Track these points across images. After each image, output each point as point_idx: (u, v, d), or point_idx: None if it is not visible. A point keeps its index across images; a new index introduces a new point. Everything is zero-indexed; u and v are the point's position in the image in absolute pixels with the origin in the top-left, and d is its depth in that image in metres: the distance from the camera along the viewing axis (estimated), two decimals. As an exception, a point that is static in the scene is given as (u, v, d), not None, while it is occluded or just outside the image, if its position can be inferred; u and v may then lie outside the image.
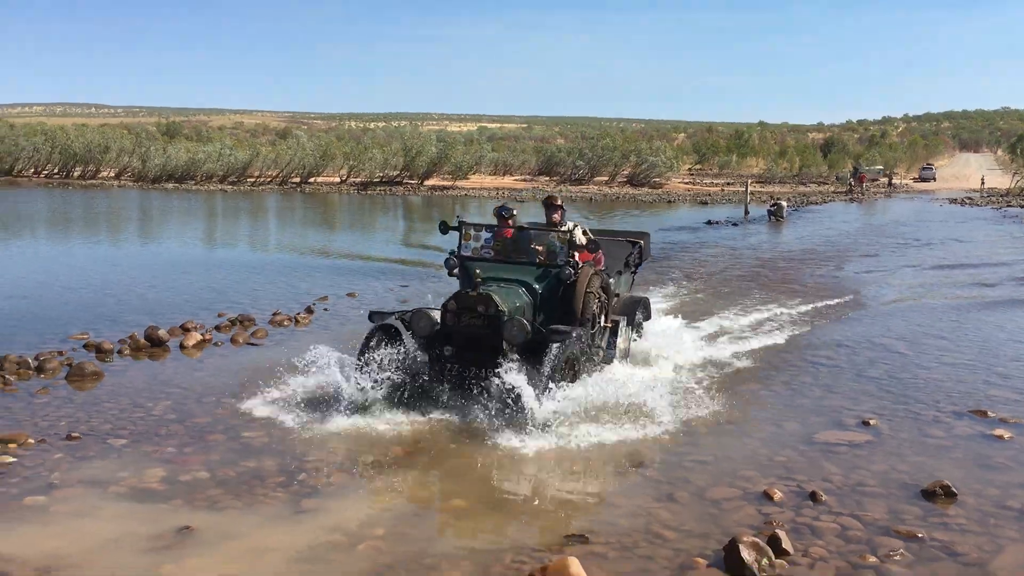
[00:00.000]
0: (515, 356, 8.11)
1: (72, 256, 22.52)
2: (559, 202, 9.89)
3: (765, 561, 5.29)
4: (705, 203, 49.02)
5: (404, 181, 62.35)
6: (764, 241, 28.12)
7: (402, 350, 8.58)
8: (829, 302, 15.34)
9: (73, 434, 7.75)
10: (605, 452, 7.41)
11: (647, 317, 11.32)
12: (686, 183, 67.62)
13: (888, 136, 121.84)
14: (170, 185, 59.35)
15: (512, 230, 9.55)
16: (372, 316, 8.82)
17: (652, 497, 6.49)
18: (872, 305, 15.23)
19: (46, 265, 20.37)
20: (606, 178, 66.66)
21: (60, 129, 72.50)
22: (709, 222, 34.40)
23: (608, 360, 9.58)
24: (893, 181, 69.58)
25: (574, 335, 8.31)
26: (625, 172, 66.76)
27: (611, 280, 10.01)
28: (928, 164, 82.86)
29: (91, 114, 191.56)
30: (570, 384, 8.17)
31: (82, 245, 25.51)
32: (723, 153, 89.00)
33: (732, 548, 5.34)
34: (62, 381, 9.61)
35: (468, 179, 64.74)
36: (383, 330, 8.67)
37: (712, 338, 12.16)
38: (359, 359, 8.36)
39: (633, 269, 11.63)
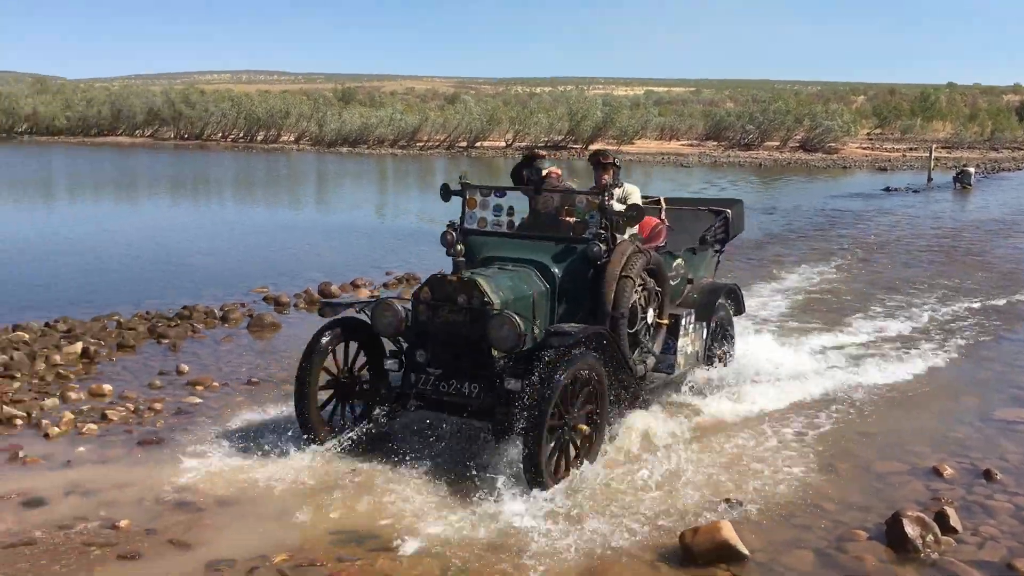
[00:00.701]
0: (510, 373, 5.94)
1: (255, 217, 23.90)
2: (610, 159, 7.60)
3: (930, 537, 5.07)
4: (884, 169, 46.72)
5: (568, 145, 62.36)
6: (948, 210, 26.55)
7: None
8: (1017, 274, 14.36)
9: (253, 380, 8.29)
10: (765, 420, 7.27)
11: (737, 310, 8.79)
12: (864, 148, 64.54)
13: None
14: (344, 149, 61.65)
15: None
16: (323, 309, 6.84)
17: (812, 468, 6.32)
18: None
19: (232, 225, 21.69)
20: (777, 143, 64.41)
21: (245, 95, 76.55)
22: (887, 189, 32.83)
23: (666, 369, 7.30)
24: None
25: (587, 338, 5.92)
26: (798, 137, 64.27)
27: (678, 260, 7.71)
28: None
29: (273, 81, 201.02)
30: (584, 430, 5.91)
31: (264, 207, 27.03)
32: (906, 116, 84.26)
33: (895, 522, 5.15)
34: (244, 331, 10.29)
35: (633, 144, 64.07)
36: (343, 328, 6.53)
37: (887, 309, 11.66)
38: (299, 413, 6.35)
39: (717, 247, 8.93)
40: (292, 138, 68.90)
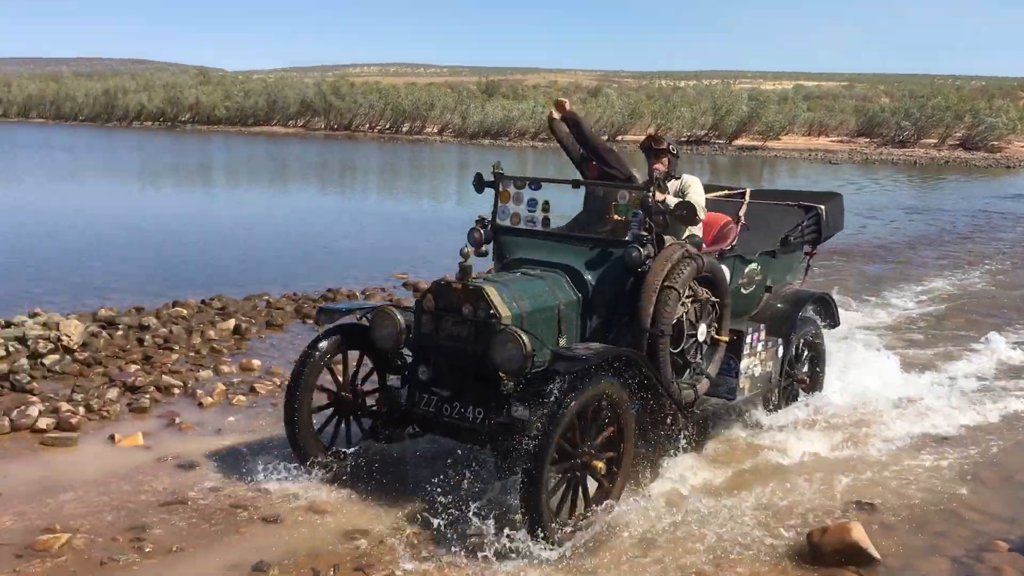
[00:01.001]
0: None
1: (398, 205, 24.64)
2: (665, 145, 6.32)
3: (1079, 553, 4.83)
4: (1052, 169, 43.94)
5: (711, 140, 61.30)
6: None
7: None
8: None
9: (390, 361, 8.56)
10: (908, 427, 7.02)
11: (832, 323, 7.60)
12: (1030, 147, 60.83)
13: None
14: (486, 141, 62.56)
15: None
16: (320, 315, 5.97)
17: (954, 475, 6.10)
18: None
19: (376, 212, 22.48)
20: (935, 140, 61.49)
21: (392, 88, 78.61)
22: (1054, 190, 30.94)
23: (726, 394, 6.36)
24: None
25: (606, 361, 4.98)
26: (957, 134, 61.17)
27: (751, 265, 6.62)
28: None
29: (420, 74, 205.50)
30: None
31: (407, 195, 27.85)
32: (1079, 113, 78.80)
33: (1041, 535, 4.92)
34: (383, 314, 10.63)
35: (779, 140, 62.39)
36: (343, 336, 5.80)
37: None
38: (288, 429, 5.68)
39: (807, 249, 7.60)
40: (436, 130, 70.39)
